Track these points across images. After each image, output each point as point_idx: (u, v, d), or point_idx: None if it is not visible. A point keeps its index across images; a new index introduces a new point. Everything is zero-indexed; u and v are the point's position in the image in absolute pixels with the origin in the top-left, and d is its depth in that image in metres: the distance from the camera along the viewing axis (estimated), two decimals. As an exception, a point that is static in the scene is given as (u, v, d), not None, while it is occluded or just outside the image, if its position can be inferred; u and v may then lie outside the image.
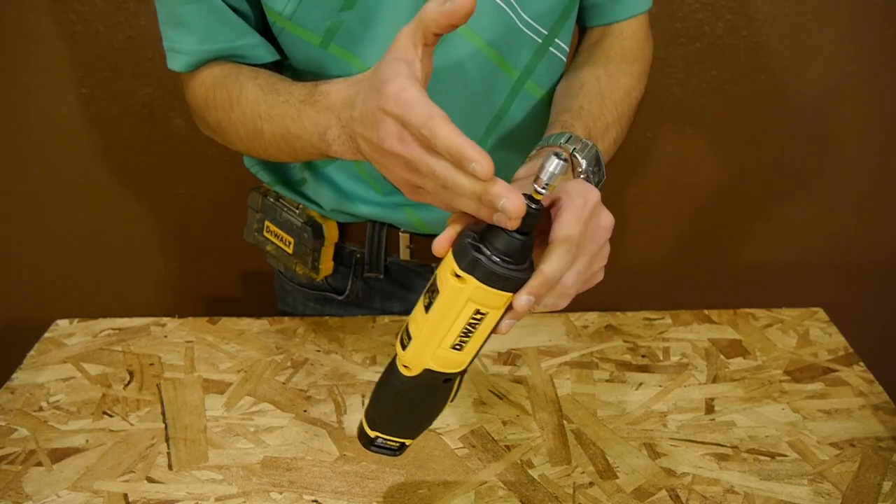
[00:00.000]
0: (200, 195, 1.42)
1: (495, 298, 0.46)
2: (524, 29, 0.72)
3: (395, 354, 0.51)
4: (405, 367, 0.50)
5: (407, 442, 0.55)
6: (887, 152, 1.46)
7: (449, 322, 0.47)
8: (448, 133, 0.45)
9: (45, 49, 1.31)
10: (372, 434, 0.54)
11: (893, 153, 1.46)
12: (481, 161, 0.44)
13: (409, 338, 0.49)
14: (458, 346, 0.48)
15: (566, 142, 0.61)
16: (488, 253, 0.46)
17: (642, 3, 0.78)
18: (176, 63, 0.73)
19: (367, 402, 0.55)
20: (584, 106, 0.68)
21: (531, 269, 0.47)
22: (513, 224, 0.45)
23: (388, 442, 0.55)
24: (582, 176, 0.61)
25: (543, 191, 0.45)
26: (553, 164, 0.45)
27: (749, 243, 1.54)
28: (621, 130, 0.73)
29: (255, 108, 0.67)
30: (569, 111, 0.68)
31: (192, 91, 0.75)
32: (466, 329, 0.47)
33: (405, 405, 0.53)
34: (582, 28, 0.81)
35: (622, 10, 0.78)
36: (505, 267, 0.46)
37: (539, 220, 0.47)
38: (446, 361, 0.49)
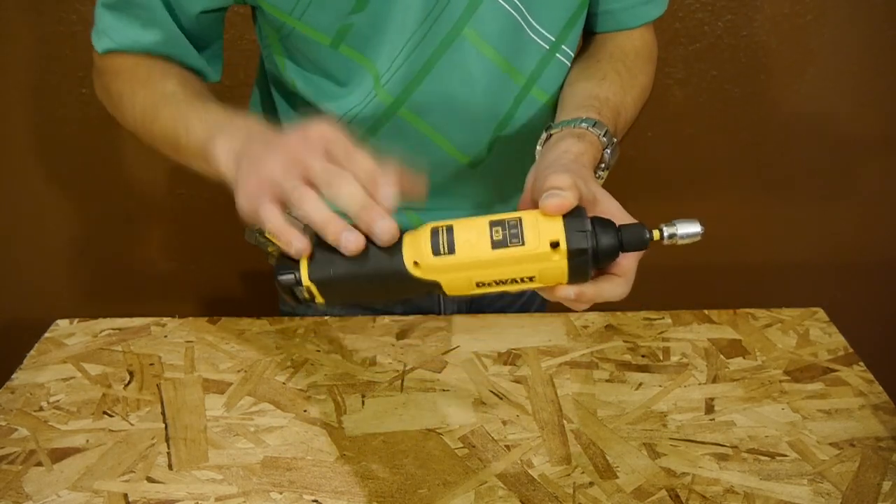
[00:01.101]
0: (200, 195, 1.42)
1: (558, 279, 0.47)
2: (532, 36, 0.72)
3: (402, 240, 0.49)
4: (416, 264, 0.48)
5: (319, 300, 0.52)
6: (887, 152, 1.46)
7: (505, 270, 0.47)
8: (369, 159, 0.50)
9: (45, 49, 1.31)
10: (306, 283, 0.50)
11: (893, 153, 1.46)
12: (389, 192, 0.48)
13: (451, 251, 0.47)
14: (481, 285, 0.48)
15: (604, 135, 0.62)
16: (594, 244, 0.47)
17: (654, 10, 0.78)
18: (103, 44, 0.72)
19: (324, 258, 0.50)
20: (609, 98, 0.69)
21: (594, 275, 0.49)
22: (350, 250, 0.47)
23: (307, 291, 0.51)
24: (600, 171, 0.62)
25: (666, 240, 0.49)
26: (693, 231, 0.49)
27: (749, 243, 1.54)
28: (629, 127, 0.74)
29: (167, 98, 0.66)
30: (596, 99, 0.68)
31: (106, 59, 0.73)
32: (509, 281, 0.47)
33: (373, 286, 0.50)
34: (589, 33, 0.81)
35: (635, 17, 0.78)
36: (594, 264, 0.47)
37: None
38: (458, 286, 0.48)
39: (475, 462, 0.67)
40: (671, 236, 0.49)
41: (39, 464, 0.67)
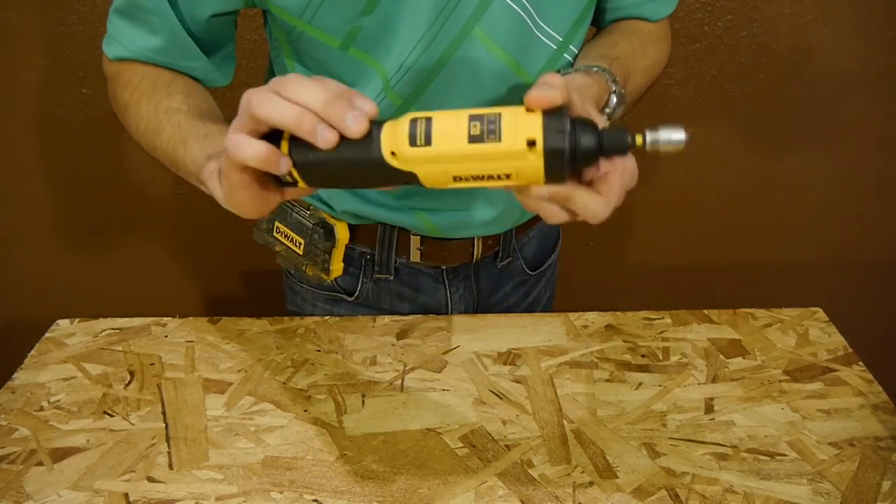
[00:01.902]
0: (201, 195, 1.41)
1: (534, 178, 0.47)
2: (540, 36, 0.72)
3: (382, 129, 0.48)
4: (393, 154, 0.48)
5: (300, 184, 0.52)
6: (887, 152, 1.46)
7: (481, 165, 0.47)
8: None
9: (46, 49, 1.31)
10: (287, 167, 0.50)
11: (893, 153, 1.46)
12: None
13: (427, 142, 0.47)
14: (458, 179, 0.48)
15: (612, 81, 0.62)
16: (572, 144, 0.46)
17: (664, 8, 0.79)
18: (114, 51, 0.73)
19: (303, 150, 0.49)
20: (619, 58, 0.69)
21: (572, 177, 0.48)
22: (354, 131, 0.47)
23: (288, 175, 0.51)
24: (606, 113, 0.62)
25: (649, 146, 0.47)
26: (677, 138, 0.47)
27: (749, 243, 1.54)
28: (639, 97, 0.74)
29: (169, 115, 0.67)
30: (607, 57, 0.68)
31: (115, 67, 0.74)
32: (486, 177, 0.47)
33: (353, 173, 0.50)
34: (598, 31, 0.82)
35: (644, 14, 0.79)
36: (571, 166, 0.46)
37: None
38: (435, 179, 0.48)
39: (475, 462, 0.67)
40: (654, 142, 0.47)
41: (40, 463, 0.67)
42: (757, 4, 1.32)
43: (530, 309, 0.99)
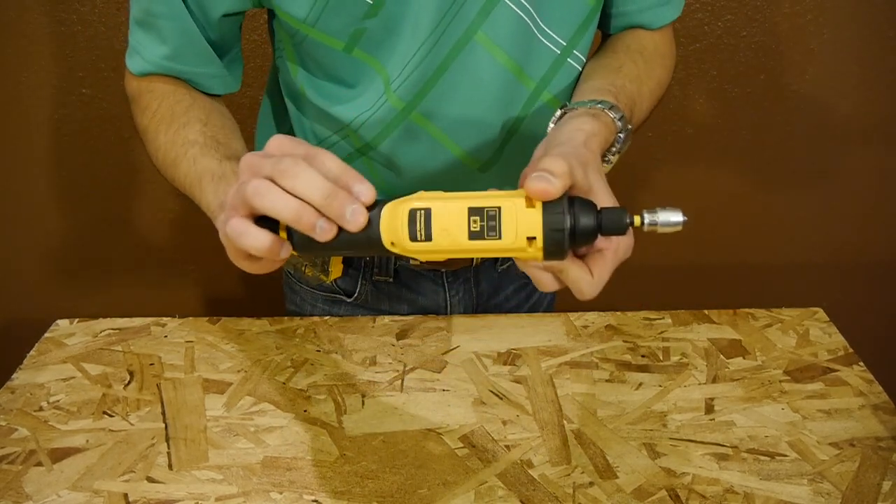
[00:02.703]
0: (200, 195, 1.42)
1: (532, 259, 0.48)
2: (543, 40, 0.71)
3: (381, 215, 0.48)
4: (393, 244, 0.48)
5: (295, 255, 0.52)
6: (887, 152, 1.46)
7: (480, 254, 0.48)
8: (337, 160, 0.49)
9: (45, 49, 1.31)
10: (285, 254, 0.50)
11: (893, 153, 1.46)
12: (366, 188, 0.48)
13: (427, 238, 0.47)
14: (456, 260, 0.50)
15: (619, 119, 0.61)
16: (570, 238, 0.47)
17: (669, 13, 0.78)
18: (136, 65, 0.73)
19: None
20: (626, 86, 0.68)
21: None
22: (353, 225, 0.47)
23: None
24: (610, 156, 0.61)
25: (646, 227, 0.49)
26: (675, 220, 0.48)
27: (749, 243, 1.54)
28: (644, 120, 0.73)
29: (186, 148, 0.67)
30: (613, 86, 0.67)
31: (136, 87, 0.74)
32: (484, 258, 0.50)
33: (351, 252, 0.51)
34: (605, 35, 0.81)
35: (650, 20, 0.78)
36: (570, 246, 0.47)
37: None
38: (433, 260, 0.49)
39: (475, 462, 0.67)
40: (652, 224, 0.49)
41: (39, 464, 0.67)
42: (757, 4, 1.32)
43: (530, 312, 0.99)
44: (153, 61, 0.72)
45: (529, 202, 0.47)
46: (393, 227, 0.48)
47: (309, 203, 0.47)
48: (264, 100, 0.87)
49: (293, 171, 0.47)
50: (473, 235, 0.47)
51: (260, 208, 0.47)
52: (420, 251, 0.48)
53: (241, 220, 0.49)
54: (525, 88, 0.73)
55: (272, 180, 0.47)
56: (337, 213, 0.47)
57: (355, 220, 0.47)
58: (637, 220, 0.49)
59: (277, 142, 0.50)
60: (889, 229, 1.53)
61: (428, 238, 0.47)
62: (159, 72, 0.73)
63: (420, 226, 0.47)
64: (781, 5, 1.32)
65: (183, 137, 0.67)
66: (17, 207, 1.45)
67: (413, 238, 0.47)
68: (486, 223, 0.47)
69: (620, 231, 0.48)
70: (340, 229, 0.48)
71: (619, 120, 0.61)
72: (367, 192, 0.48)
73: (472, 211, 0.47)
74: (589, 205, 0.48)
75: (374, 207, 0.48)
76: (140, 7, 0.70)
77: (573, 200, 0.47)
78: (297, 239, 0.49)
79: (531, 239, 0.46)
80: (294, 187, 0.47)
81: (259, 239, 0.48)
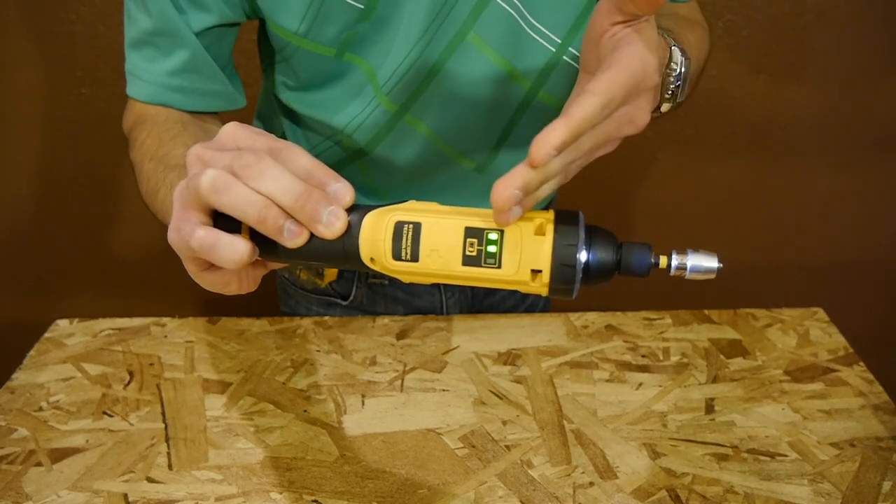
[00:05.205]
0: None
1: (535, 293, 0.42)
2: (536, 37, 0.70)
3: (361, 224, 0.41)
4: (372, 260, 0.42)
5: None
6: (887, 152, 1.46)
7: (473, 283, 0.41)
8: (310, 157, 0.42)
9: (45, 49, 1.31)
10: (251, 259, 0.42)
11: (893, 153, 1.46)
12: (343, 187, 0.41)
13: (414, 259, 0.41)
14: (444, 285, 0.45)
15: (674, 46, 0.54)
16: (583, 276, 0.40)
17: None
18: (137, 90, 0.69)
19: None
20: (671, 28, 0.60)
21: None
22: (329, 233, 0.40)
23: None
24: (666, 96, 0.55)
25: (673, 271, 0.42)
26: (708, 266, 0.41)
27: (749, 243, 1.54)
28: (697, 78, 0.66)
29: (166, 173, 0.61)
30: (659, 29, 0.58)
31: (132, 122, 0.70)
32: (476, 287, 0.44)
33: (323, 264, 0.43)
34: None
35: None
36: (577, 290, 0.41)
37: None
38: (417, 282, 0.43)
39: (475, 462, 0.67)
40: (680, 267, 0.42)
41: (39, 464, 0.66)
42: (757, 4, 1.32)
43: (530, 311, 0.99)
44: (156, 80, 0.68)
45: (539, 229, 0.40)
46: (373, 240, 0.41)
47: (278, 204, 0.40)
48: (258, 107, 0.87)
49: (257, 167, 0.40)
50: (468, 261, 0.40)
51: (217, 205, 0.40)
52: (403, 272, 0.41)
53: (209, 230, 0.41)
54: (520, 88, 0.73)
55: (235, 176, 0.40)
56: (309, 216, 0.40)
57: (331, 224, 0.40)
58: (663, 261, 0.42)
59: (232, 130, 0.42)
60: (889, 229, 1.53)
61: (414, 258, 0.41)
62: (161, 94, 0.69)
63: (406, 243, 0.41)
64: (781, 5, 1.32)
65: (165, 164, 0.62)
66: (17, 207, 1.45)
67: (397, 256, 0.41)
68: (485, 248, 0.40)
69: (641, 273, 0.42)
70: (311, 237, 0.41)
71: (675, 46, 0.53)
72: (344, 192, 0.41)
73: (470, 232, 0.40)
74: (608, 238, 0.42)
75: (353, 212, 0.42)
76: (137, 28, 0.68)
77: (591, 230, 0.41)
78: (260, 241, 0.42)
79: (536, 272, 0.40)
80: (260, 184, 0.39)
81: (236, 249, 0.40)
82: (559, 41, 0.72)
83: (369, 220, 0.41)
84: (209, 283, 0.45)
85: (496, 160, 0.78)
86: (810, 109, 1.41)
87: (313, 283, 0.84)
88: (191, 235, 0.41)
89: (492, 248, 0.40)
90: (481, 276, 0.41)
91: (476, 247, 0.40)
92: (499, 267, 0.40)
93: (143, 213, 1.56)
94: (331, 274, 0.84)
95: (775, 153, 1.45)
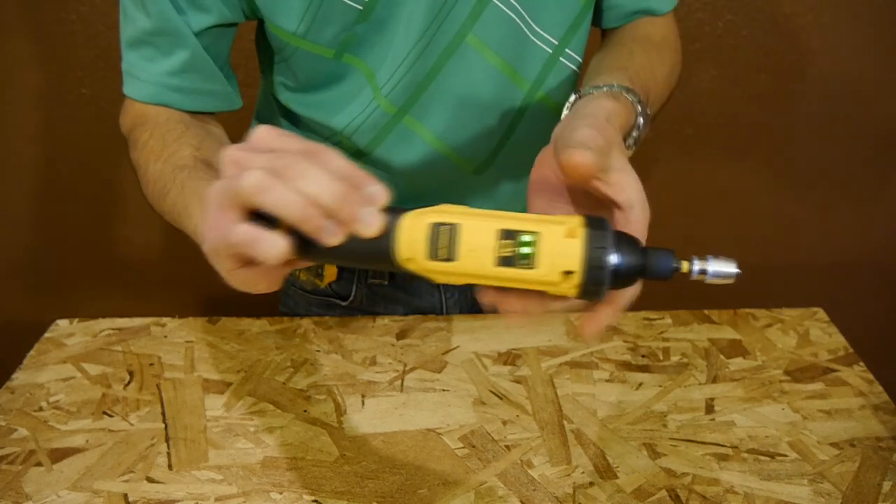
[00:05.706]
0: (200, 195, 1.42)
1: (562, 294, 0.43)
2: (535, 40, 0.70)
3: (397, 225, 0.42)
4: (408, 259, 0.43)
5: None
6: (887, 152, 1.46)
7: (507, 283, 0.42)
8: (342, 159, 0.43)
9: (45, 49, 1.31)
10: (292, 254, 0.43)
11: (893, 153, 1.46)
12: (377, 188, 0.42)
13: (450, 258, 0.42)
14: (477, 286, 0.44)
15: (637, 103, 0.57)
16: (612, 278, 0.42)
17: (664, 3, 0.76)
18: (134, 90, 0.69)
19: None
20: (639, 73, 0.63)
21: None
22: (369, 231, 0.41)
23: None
24: (630, 140, 0.57)
25: (695, 275, 0.44)
26: (727, 271, 0.45)
27: (749, 243, 1.54)
28: (660, 109, 0.69)
29: (175, 174, 0.60)
30: (626, 70, 0.62)
31: (130, 122, 0.70)
32: (507, 288, 0.43)
33: (359, 264, 0.45)
34: (603, 31, 0.79)
35: (657, 5, 0.75)
36: (607, 292, 0.42)
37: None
38: (451, 283, 0.44)
39: (475, 462, 0.66)
40: (701, 272, 0.44)
41: (39, 464, 0.66)
42: (757, 4, 1.32)
43: None
44: (155, 80, 0.68)
45: (570, 232, 0.41)
46: (411, 241, 0.42)
47: (318, 204, 0.41)
48: (256, 108, 0.87)
49: (297, 168, 0.40)
50: (502, 261, 0.41)
51: (260, 204, 0.41)
52: (438, 272, 0.43)
53: (251, 226, 0.41)
54: (519, 89, 0.73)
55: (276, 176, 0.41)
56: (349, 216, 0.41)
57: (371, 224, 0.41)
58: (685, 265, 0.44)
59: (264, 133, 0.43)
60: (889, 229, 1.53)
61: (450, 258, 0.42)
62: (160, 94, 0.68)
63: (442, 243, 0.42)
64: (781, 5, 1.32)
65: (172, 164, 0.61)
66: (16, 207, 1.45)
67: (433, 256, 0.42)
68: (519, 249, 0.41)
69: (665, 276, 0.44)
70: (350, 236, 0.42)
71: (637, 103, 0.57)
72: (380, 194, 0.42)
73: (505, 234, 0.41)
74: (633, 242, 0.43)
75: (388, 214, 0.43)
76: (135, 28, 0.67)
77: (619, 236, 0.43)
78: (297, 243, 0.43)
79: (568, 273, 0.41)
80: (300, 187, 0.40)
81: (277, 245, 0.41)
82: (556, 43, 0.72)
83: (406, 220, 0.43)
84: (241, 280, 0.46)
85: (496, 162, 0.78)
86: (810, 109, 1.41)
87: (312, 284, 0.84)
88: (231, 232, 0.42)
89: (525, 250, 0.41)
90: (514, 277, 0.42)
91: (511, 248, 0.41)
92: (532, 268, 0.41)
93: (144, 213, 1.56)
94: (330, 275, 0.84)
95: (775, 153, 1.45)
